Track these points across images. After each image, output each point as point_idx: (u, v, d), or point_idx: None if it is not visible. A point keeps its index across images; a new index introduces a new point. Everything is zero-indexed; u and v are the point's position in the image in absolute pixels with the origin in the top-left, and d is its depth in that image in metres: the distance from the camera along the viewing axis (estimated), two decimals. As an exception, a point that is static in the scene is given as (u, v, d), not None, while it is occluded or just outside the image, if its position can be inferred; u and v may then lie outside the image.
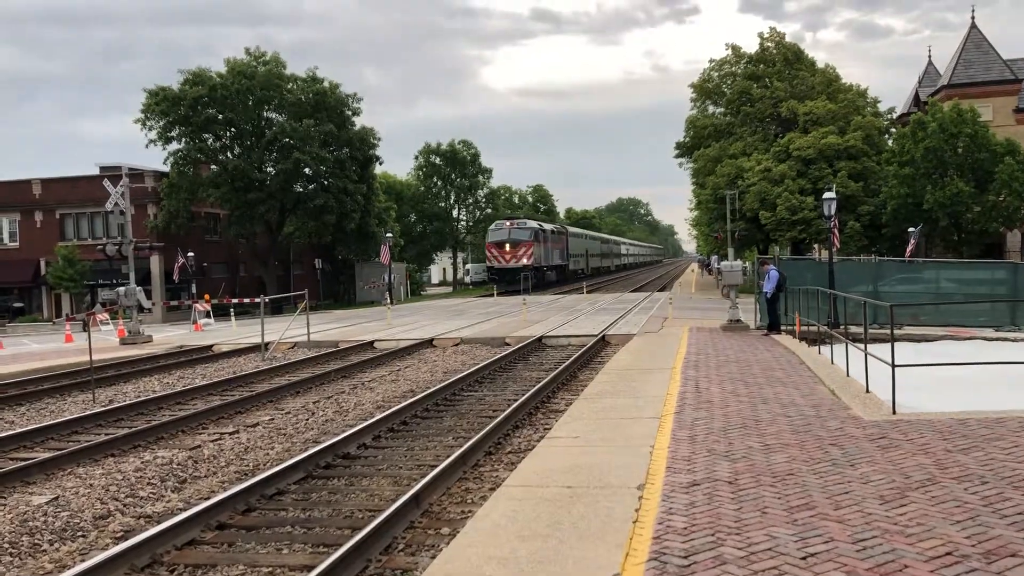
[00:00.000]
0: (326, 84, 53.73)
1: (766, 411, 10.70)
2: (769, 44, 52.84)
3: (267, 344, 23.11)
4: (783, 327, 21.76)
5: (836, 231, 25.56)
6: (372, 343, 24.43)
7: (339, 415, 13.69)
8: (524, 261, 57.29)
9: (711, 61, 54.62)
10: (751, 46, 54.20)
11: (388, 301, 41.22)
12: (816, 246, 51.81)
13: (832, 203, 24.05)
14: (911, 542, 5.63)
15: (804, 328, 20.76)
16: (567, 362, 17.66)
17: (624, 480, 7.59)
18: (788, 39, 54.05)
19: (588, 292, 52.94)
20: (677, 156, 58.00)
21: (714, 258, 79.80)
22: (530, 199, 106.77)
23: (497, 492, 7.54)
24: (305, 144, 50.12)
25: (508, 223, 60.72)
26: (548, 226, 68.84)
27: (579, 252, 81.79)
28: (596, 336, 22.64)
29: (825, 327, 18.83)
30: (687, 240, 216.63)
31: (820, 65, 53.42)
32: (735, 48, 53.66)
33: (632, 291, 54.81)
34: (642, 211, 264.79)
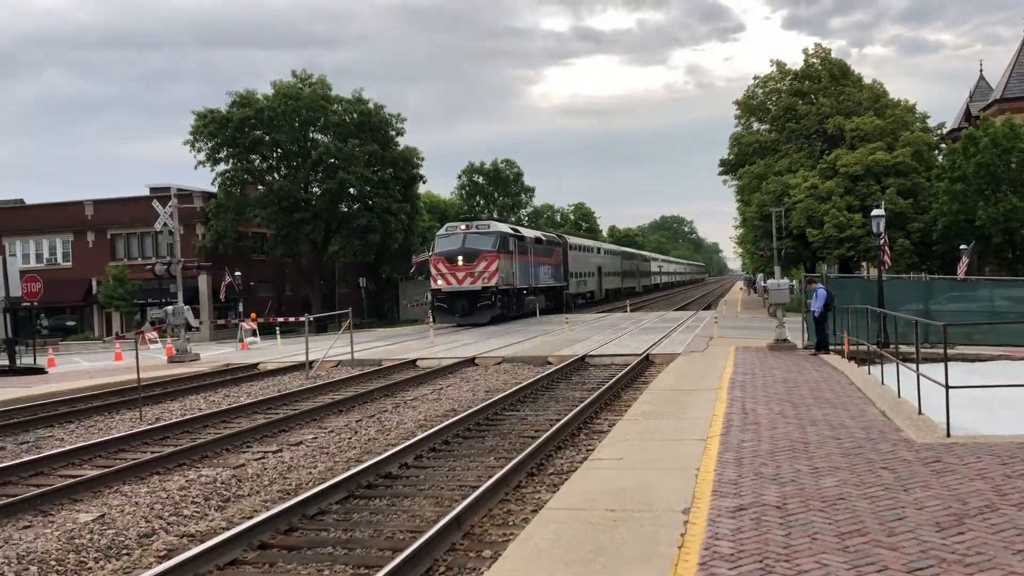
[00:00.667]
0: (370, 105, 54.37)
1: (815, 433, 10.46)
2: (814, 60, 52.28)
3: (312, 362, 23.26)
4: (831, 347, 21.35)
5: (886, 248, 25.07)
6: (415, 361, 24.47)
7: (381, 434, 13.68)
8: (484, 281, 39.14)
9: (755, 78, 54.18)
10: (796, 62, 53.69)
11: (431, 320, 41.36)
12: (864, 264, 50.91)
13: (881, 220, 23.62)
14: (970, 572, 5.41)
15: (853, 348, 20.35)
16: (610, 382, 17.49)
17: (669, 503, 7.44)
18: (834, 55, 53.42)
19: (632, 311, 52.60)
20: (721, 173, 57.53)
21: (759, 276, 78.90)
22: (572, 217, 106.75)
23: (540, 514, 7.43)
24: (350, 164, 50.71)
25: (463, 225, 41.81)
26: (531, 233, 49.75)
27: (584, 270, 62.96)
28: (640, 355, 22.43)
29: (875, 347, 18.43)
30: (732, 258, 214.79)
31: (867, 81, 52.70)
32: (780, 64, 53.18)
33: (676, 310, 54.34)
34: (686, 229, 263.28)
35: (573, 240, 63.08)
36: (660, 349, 24.08)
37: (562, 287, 53.52)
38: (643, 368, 20.90)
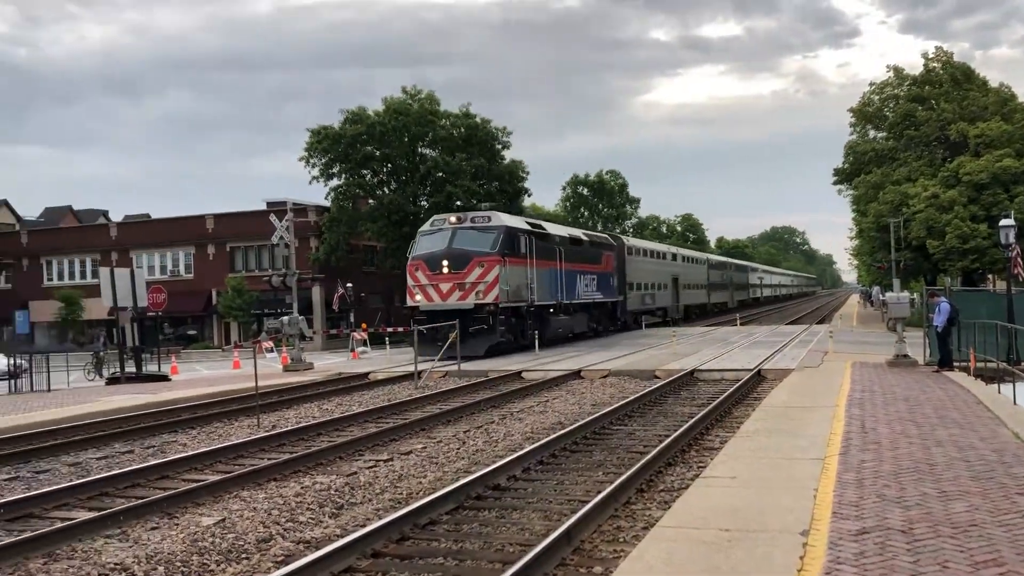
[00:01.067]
0: (477, 119, 54.98)
1: (941, 454, 9.96)
2: (935, 64, 50.24)
3: (420, 372, 23.61)
4: (955, 363, 20.35)
5: (1018, 260, 23.78)
6: (520, 373, 24.53)
7: (489, 445, 13.74)
8: (478, 297, 28.81)
9: (871, 84, 52.46)
10: (915, 67, 51.82)
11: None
12: (990, 276, 48.42)
13: (1011, 231, 22.45)
14: (1121, 610, 5.02)
15: (980, 365, 19.35)
16: (721, 397, 17.12)
17: (786, 524, 7.19)
18: (956, 59, 51.18)
19: (742, 324, 51.43)
20: (836, 183, 55.82)
21: (875, 289, 75.95)
22: (679, 228, 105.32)
23: (651, 532, 7.31)
24: (457, 178, 51.38)
25: (453, 218, 31.27)
26: (561, 230, 38.31)
27: (651, 281, 50.47)
28: (751, 371, 21.88)
29: (1004, 364, 17.47)
30: (847, 270, 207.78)
31: (993, 84, 50.28)
32: (897, 70, 51.32)
33: (788, 323, 52.88)
34: (798, 240, 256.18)
35: (634, 242, 51.05)
36: (772, 364, 23.45)
37: (615, 302, 42.32)
38: (755, 384, 20.38)
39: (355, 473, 11.73)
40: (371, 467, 12.15)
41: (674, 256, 59.65)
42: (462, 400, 19.27)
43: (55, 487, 10.96)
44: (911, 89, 50.18)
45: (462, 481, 10.11)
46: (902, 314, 22.88)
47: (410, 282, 29.92)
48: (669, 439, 12.35)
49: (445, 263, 29.11)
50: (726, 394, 17.51)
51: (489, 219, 31.08)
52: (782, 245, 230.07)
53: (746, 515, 7.56)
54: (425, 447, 13.62)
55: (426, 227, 31.52)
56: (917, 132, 48.32)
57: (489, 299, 28.80)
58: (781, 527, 7.13)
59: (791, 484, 8.72)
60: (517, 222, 32.73)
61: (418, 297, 29.56)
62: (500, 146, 56.26)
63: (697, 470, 10.83)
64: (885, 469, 9.21)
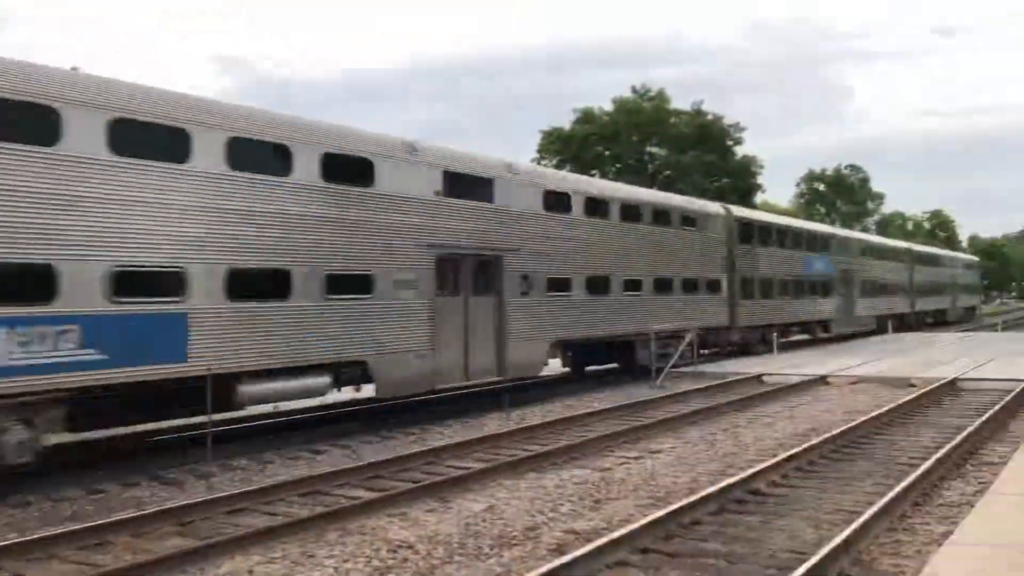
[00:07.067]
0: (709, 116, 54.10)
1: None
2: None
3: (658, 370, 23.51)
4: None
5: None
6: (759, 376, 23.81)
7: (739, 449, 13.48)
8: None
9: None
10: None
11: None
12: None
13: None
14: None
15: None
16: (992, 409, 15.78)
17: (1103, 551, 6.55)
18: None
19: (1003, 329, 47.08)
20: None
21: None
22: (927, 225, 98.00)
23: (943, 549, 6.91)
24: (686, 175, 50.80)
25: None
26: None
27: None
28: (1023, 381, 19.98)
29: None
30: None
31: None
32: None
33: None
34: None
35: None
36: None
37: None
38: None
39: (609, 469, 11.91)
40: (623, 463, 12.29)
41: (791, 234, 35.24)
42: (702, 402, 18.97)
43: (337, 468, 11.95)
44: None
45: (722, 483, 10.00)
46: None
47: None
48: (942, 451, 11.56)
49: None
50: (998, 405, 16.11)
51: None
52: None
53: (1051, 538, 6.96)
54: (674, 447, 13.59)
55: None
56: None
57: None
58: (1097, 554, 6.50)
59: (1100, 507, 7.92)
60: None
61: None
62: (732, 142, 55.07)
63: (978, 485, 10.10)
64: None
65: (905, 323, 47.88)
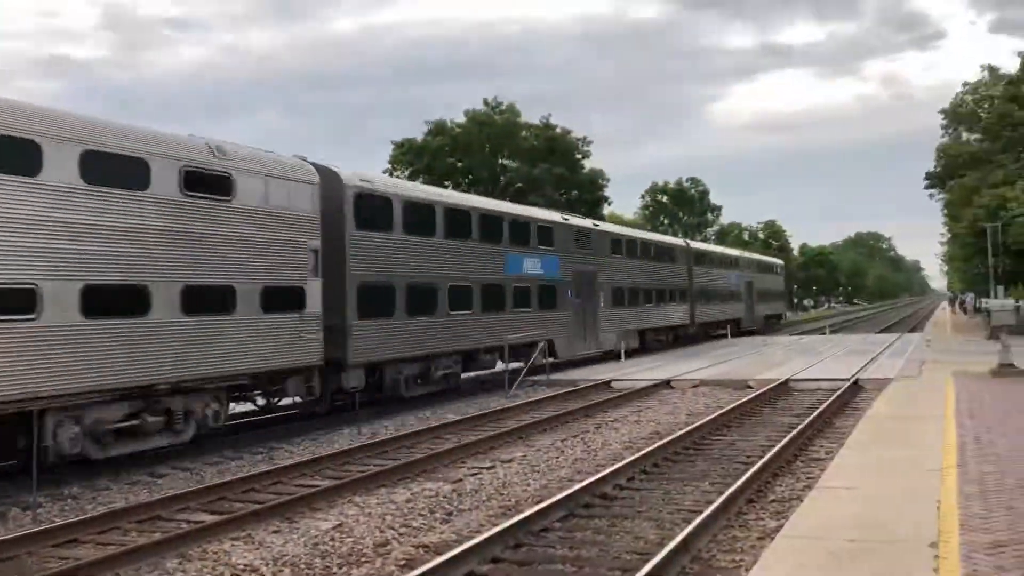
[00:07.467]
0: (558, 130, 55.28)
1: (1067, 467, 9.63)
2: (1033, 62, 48.42)
3: (510, 382, 23.72)
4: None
5: None
6: (609, 382, 24.45)
7: (588, 454, 13.79)
8: None
9: (964, 84, 50.98)
10: (1010, 66, 49.91)
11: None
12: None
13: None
14: None
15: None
16: (820, 407, 16.82)
17: (913, 536, 7.08)
18: (1056, 56, 49.18)
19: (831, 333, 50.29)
20: (927, 187, 54.35)
21: (969, 296, 73.40)
22: (761, 235, 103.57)
23: (775, 543, 7.29)
24: (537, 188, 51.69)
25: None
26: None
27: None
28: (848, 380, 21.41)
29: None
30: (935, 276, 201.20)
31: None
32: (992, 69, 49.79)
33: (880, 331, 51.54)
34: (884, 246, 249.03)
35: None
36: (869, 374, 22.90)
37: None
38: (853, 394, 19.95)
39: (460, 480, 11.92)
40: (475, 474, 12.32)
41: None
42: (554, 409, 19.30)
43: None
44: (1007, 88, 48.51)
45: (570, 490, 10.18)
46: (1007, 321, 22.13)
47: None
48: (774, 450, 12.21)
49: None
50: (825, 404, 17.19)
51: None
52: (867, 252, 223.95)
53: (869, 526, 7.47)
54: (525, 455, 13.74)
55: None
56: (1015, 133, 46.69)
57: None
58: (908, 538, 7.02)
59: (911, 495, 8.56)
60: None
61: None
62: (580, 156, 56.47)
63: (806, 481, 10.72)
64: (1009, 482, 8.97)
65: (680, 338, 38.61)
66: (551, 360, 26.34)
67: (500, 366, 24.49)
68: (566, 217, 30.25)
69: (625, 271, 32.74)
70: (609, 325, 30.78)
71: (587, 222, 31.98)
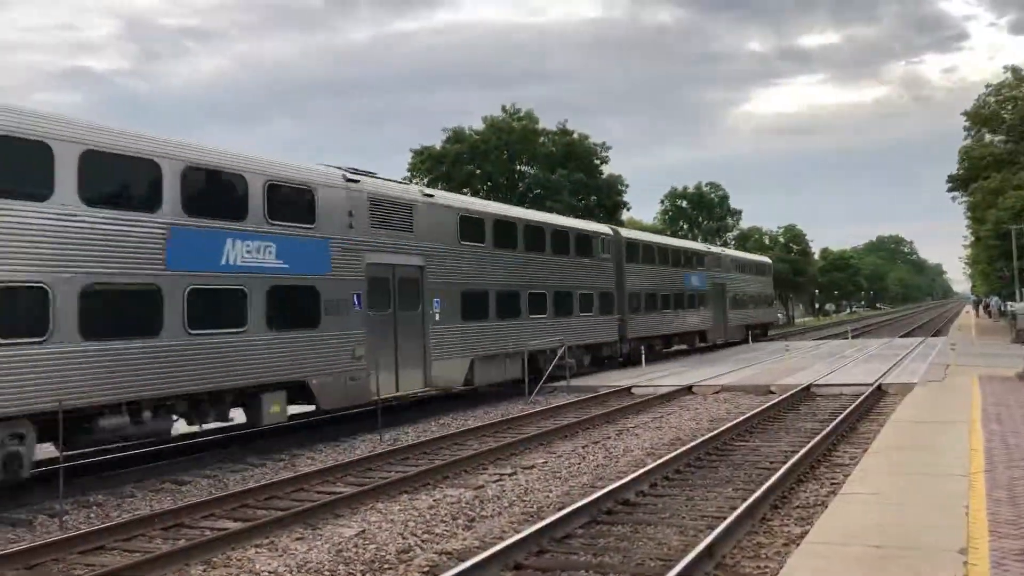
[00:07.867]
0: (575, 136, 55.22)
1: (1097, 472, 9.50)
2: (1057, 62, 47.89)
3: (530, 388, 23.70)
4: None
5: None
6: (629, 389, 24.39)
7: (609, 460, 13.75)
8: None
9: (988, 86, 50.37)
10: (1033, 67, 49.38)
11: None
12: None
13: None
14: None
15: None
16: (843, 413, 16.69)
17: (941, 542, 7.01)
18: (1080, 55, 48.66)
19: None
20: (951, 190, 53.78)
21: (994, 299, 72.60)
22: (782, 239, 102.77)
23: (799, 548, 7.23)
24: (556, 194, 51.65)
25: None
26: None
27: None
28: (871, 385, 21.24)
29: None
30: (959, 280, 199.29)
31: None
32: (1015, 70, 49.18)
33: (902, 336, 51.07)
34: (905, 249, 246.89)
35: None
36: (893, 379, 22.70)
37: None
38: (877, 399, 19.79)
39: (482, 486, 11.91)
40: (497, 480, 12.32)
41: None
42: (575, 415, 19.28)
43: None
44: (1031, 89, 48.06)
45: (592, 496, 10.15)
46: (1033, 325, 21.85)
47: None
48: (798, 455, 12.13)
49: None
50: (848, 409, 17.05)
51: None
52: (889, 255, 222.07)
53: (895, 532, 7.40)
54: (547, 462, 13.72)
55: None
56: (1039, 134, 46.24)
57: None
58: (936, 545, 6.95)
59: (938, 501, 8.47)
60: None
61: None
62: (598, 161, 56.37)
63: (830, 487, 10.64)
64: (1038, 487, 8.85)
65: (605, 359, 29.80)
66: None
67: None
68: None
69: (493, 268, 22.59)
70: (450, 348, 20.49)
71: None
